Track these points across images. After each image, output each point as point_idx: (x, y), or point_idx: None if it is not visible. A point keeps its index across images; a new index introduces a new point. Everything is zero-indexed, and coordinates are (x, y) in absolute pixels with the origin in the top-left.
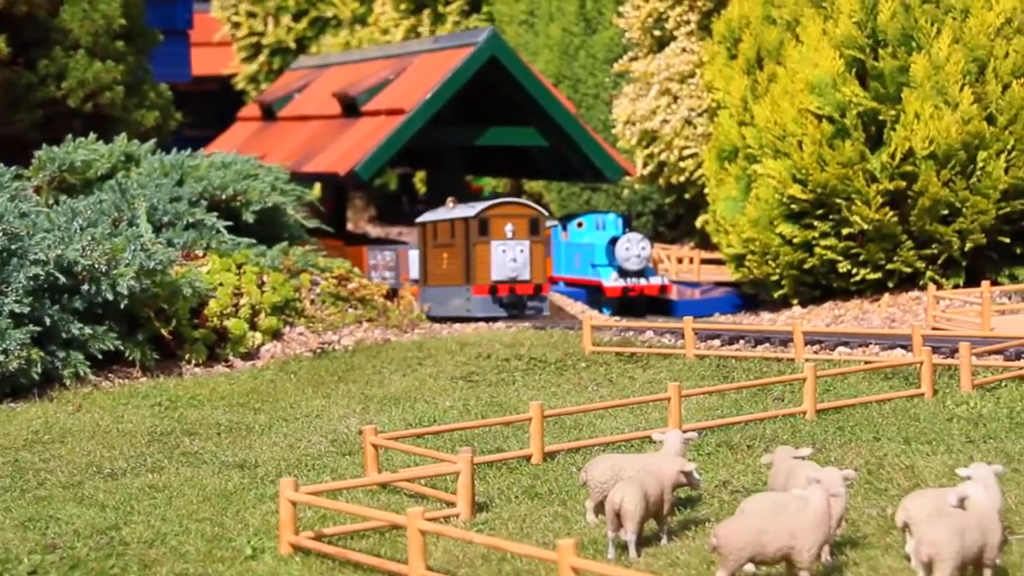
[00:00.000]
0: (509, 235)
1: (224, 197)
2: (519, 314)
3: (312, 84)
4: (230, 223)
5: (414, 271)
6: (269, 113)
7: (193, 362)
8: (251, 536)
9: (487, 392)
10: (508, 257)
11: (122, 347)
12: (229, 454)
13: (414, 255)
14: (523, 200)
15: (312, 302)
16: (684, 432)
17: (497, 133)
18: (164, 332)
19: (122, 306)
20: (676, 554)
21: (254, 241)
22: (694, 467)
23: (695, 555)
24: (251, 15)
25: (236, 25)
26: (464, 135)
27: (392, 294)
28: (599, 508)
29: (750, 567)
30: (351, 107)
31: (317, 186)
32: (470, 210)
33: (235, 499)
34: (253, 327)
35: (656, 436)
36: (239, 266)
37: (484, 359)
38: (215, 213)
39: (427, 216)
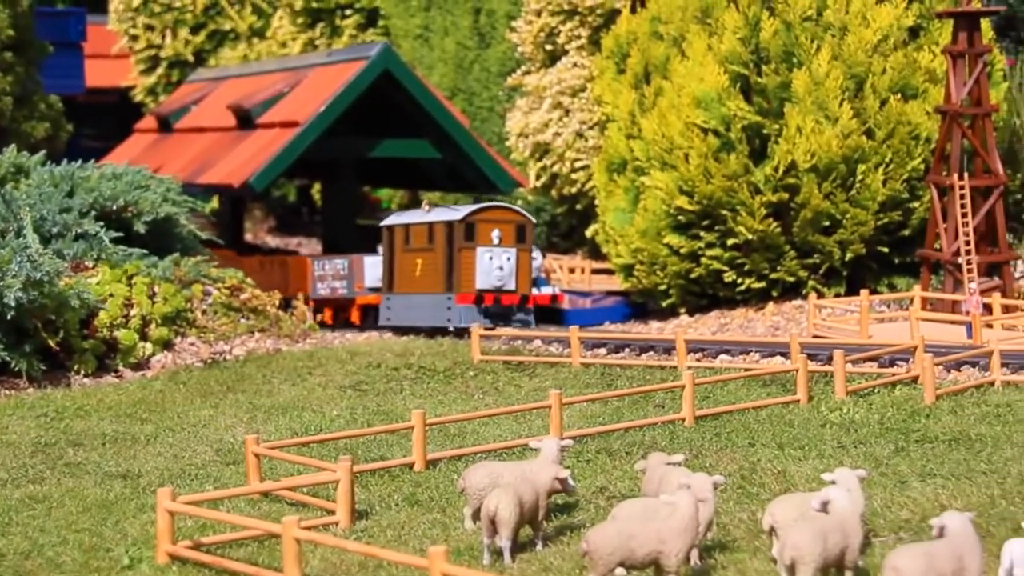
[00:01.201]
0: (496, 241)
1: (115, 208)
2: (505, 326)
3: (208, 96)
4: (121, 234)
5: (371, 279)
6: (165, 125)
7: (82, 373)
8: (129, 546)
9: (375, 401)
10: (495, 265)
11: (8, 358)
12: (113, 464)
13: (371, 261)
14: (510, 205)
15: (204, 312)
16: (562, 440)
17: (391, 145)
18: (52, 343)
19: (8, 317)
20: (550, 559)
21: (146, 252)
22: (568, 474)
23: (568, 560)
24: (149, 28)
25: (134, 38)
26: (358, 147)
27: (285, 305)
28: (477, 514)
29: (621, 571)
30: (246, 119)
31: (216, 198)
32: (454, 213)
33: (116, 509)
34: (144, 337)
35: (533, 444)
36: (130, 277)
37: (374, 368)
38: (105, 224)
39: (395, 219)
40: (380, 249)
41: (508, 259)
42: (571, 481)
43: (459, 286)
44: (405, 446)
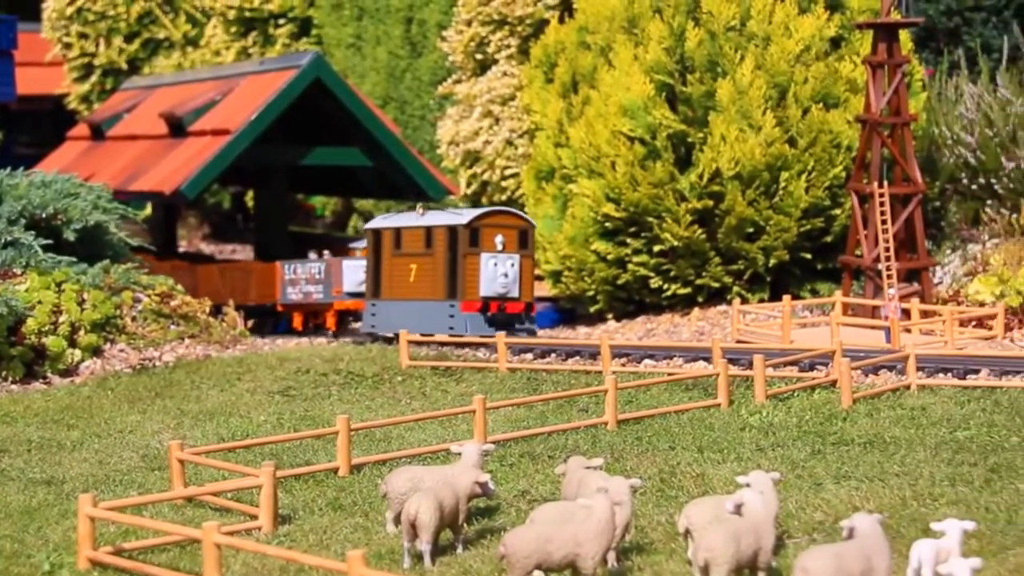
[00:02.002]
0: (499, 247)
1: (44, 216)
2: (510, 335)
3: (141, 104)
4: (51, 242)
5: (350, 283)
6: (98, 133)
7: (9, 379)
8: (50, 552)
9: (302, 406)
10: (499, 271)
11: None
12: (37, 471)
13: (351, 265)
14: (513, 210)
15: (134, 319)
16: (483, 444)
17: (322, 153)
18: None
19: None
20: (470, 562)
21: (75, 259)
22: (488, 478)
23: (488, 563)
24: (83, 36)
25: (68, 46)
26: (290, 155)
27: (216, 311)
28: (399, 519)
29: (538, 573)
30: (178, 127)
31: (149, 205)
32: (456, 217)
33: (38, 515)
34: (72, 344)
35: (455, 448)
36: (59, 284)
37: (303, 374)
38: (33, 232)
39: (383, 222)
40: (357, 253)
41: (512, 265)
42: (491, 485)
43: (464, 293)
44: (331, 451)
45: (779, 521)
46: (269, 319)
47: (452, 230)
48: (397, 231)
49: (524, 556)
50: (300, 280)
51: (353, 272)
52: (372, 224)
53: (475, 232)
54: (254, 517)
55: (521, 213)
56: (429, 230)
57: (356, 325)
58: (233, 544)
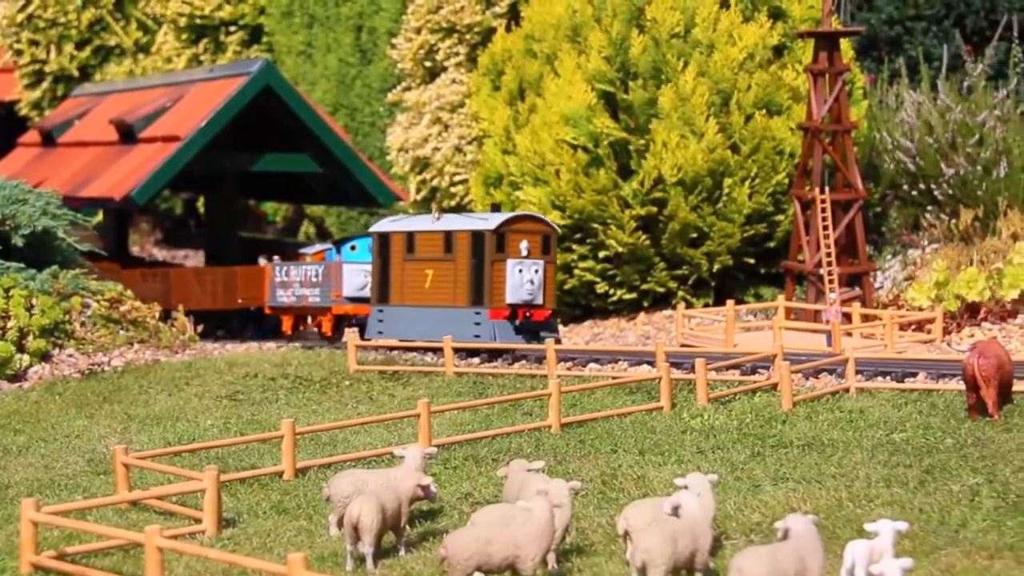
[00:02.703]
0: (524, 253)
1: None
2: (535, 343)
3: (92, 111)
4: None
5: (350, 288)
6: (49, 139)
7: None
8: None
9: (249, 411)
10: (525, 278)
11: None
12: None
13: (352, 269)
14: (537, 214)
15: (83, 324)
16: (426, 448)
17: (272, 159)
18: None
19: None
20: (411, 565)
21: (23, 265)
22: (431, 481)
23: (429, 565)
24: (33, 43)
25: (19, 53)
26: (240, 161)
27: (165, 317)
28: (342, 522)
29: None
30: (128, 134)
31: (101, 212)
32: (481, 222)
33: None
34: (21, 349)
35: (397, 452)
36: (7, 290)
37: (251, 378)
38: None
39: (391, 225)
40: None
41: (536, 272)
42: (433, 488)
43: (491, 300)
44: (277, 455)
45: (717, 522)
46: (252, 322)
47: (477, 235)
48: (409, 235)
49: (464, 558)
50: (293, 283)
51: (354, 276)
52: (378, 227)
53: (501, 237)
54: (198, 521)
55: (544, 218)
56: (449, 234)
57: (350, 330)
58: (175, 548)
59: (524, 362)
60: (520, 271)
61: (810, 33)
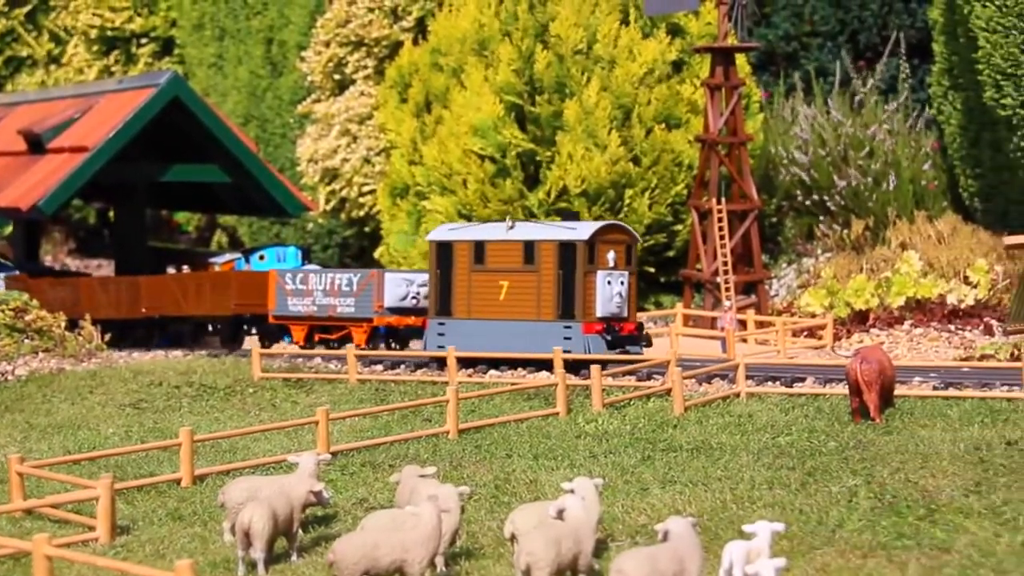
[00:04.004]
0: (611, 264)
1: None
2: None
3: (2, 122)
4: None
5: (393, 298)
6: None
7: None
8: None
9: (152, 419)
10: (613, 290)
11: None
12: None
13: (395, 279)
14: (621, 223)
15: None
16: (320, 455)
17: (181, 170)
18: None
19: None
20: (302, 570)
21: None
22: (323, 487)
23: (320, 570)
24: None
25: None
26: (149, 171)
27: (72, 325)
28: (236, 528)
29: None
30: (36, 144)
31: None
32: (569, 231)
33: None
34: None
35: (292, 458)
36: None
37: (156, 386)
38: None
39: (452, 234)
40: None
41: (622, 283)
42: (326, 494)
43: (583, 314)
44: (177, 462)
45: (603, 525)
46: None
47: (567, 245)
48: (479, 244)
49: (352, 562)
50: (313, 291)
51: (396, 286)
52: (436, 236)
53: (592, 248)
54: (92, 528)
55: (628, 227)
56: (530, 244)
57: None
58: (64, 556)
59: (427, 369)
60: (609, 283)
61: (707, 49)
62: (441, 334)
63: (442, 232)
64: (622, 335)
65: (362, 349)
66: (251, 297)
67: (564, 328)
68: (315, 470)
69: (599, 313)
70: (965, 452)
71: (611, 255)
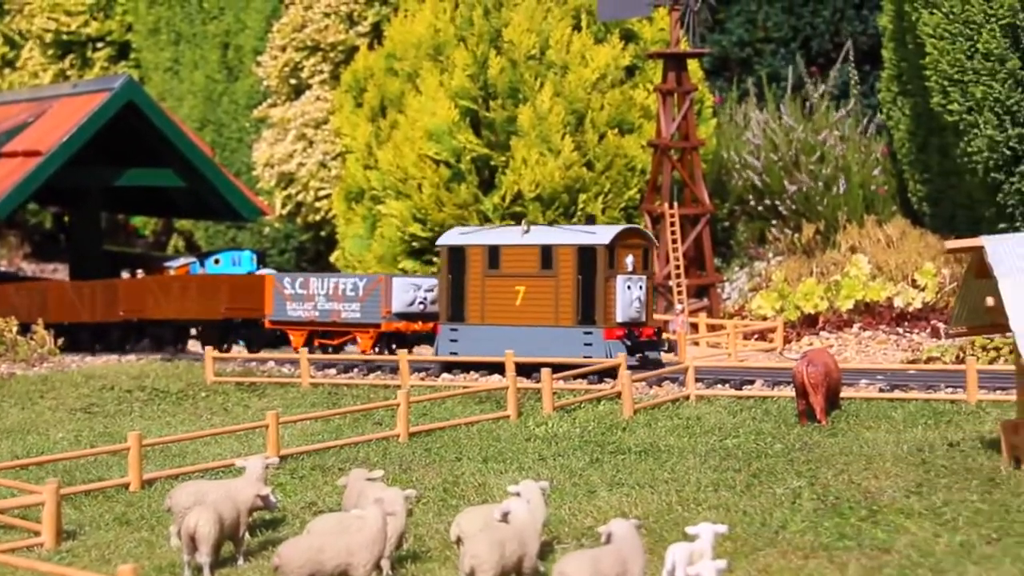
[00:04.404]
0: (630, 268)
1: None
2: (638, 364)
3: None
4: None
5: (401, 304)
6: None
7: None
8: None
9: (103, 423)
10: (633, 295)
11: None
12: None
13: (402, 284)
14: (639, 227)
15: None
16: (267, 459)
17: (137, 174)
18: None
19: None
20: (249, 574)
21: None
22: (269, 491)
23: (266, 574)
24: None
25: None
26: (104, 176)
27: (24, 330)
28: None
29: None
30: None
31: None
32: (588, 235)
33: None
34: None
35: (239, 463)
36: None
37: (107, 391)
38: None
39: (463, 238)
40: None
41: (641, 287)
42: (273, 498)
43: (604, 319)
44: (126, 467)
45: (549, 527)
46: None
47: (587, 250)
48: (493, 249)
49: (297, 566)
50: (315, 296)
51: (403, 291)
52: (448, 240)
53: (612, 252)
54: (38, 534)
55: (646, 231)
56: (548, 249)
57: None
58: (7, 562)
59: (379, 373)
60: (629, 287)
61: (659, 54)
62: (454, 340)
63: (453, 236)
64: (642, 340)
65: (366, 355)
66: (244, 301)
67: (585, 334)
68: (263, 474)
69: (619, 318)
70: (908, 454)
71: (630, 259)
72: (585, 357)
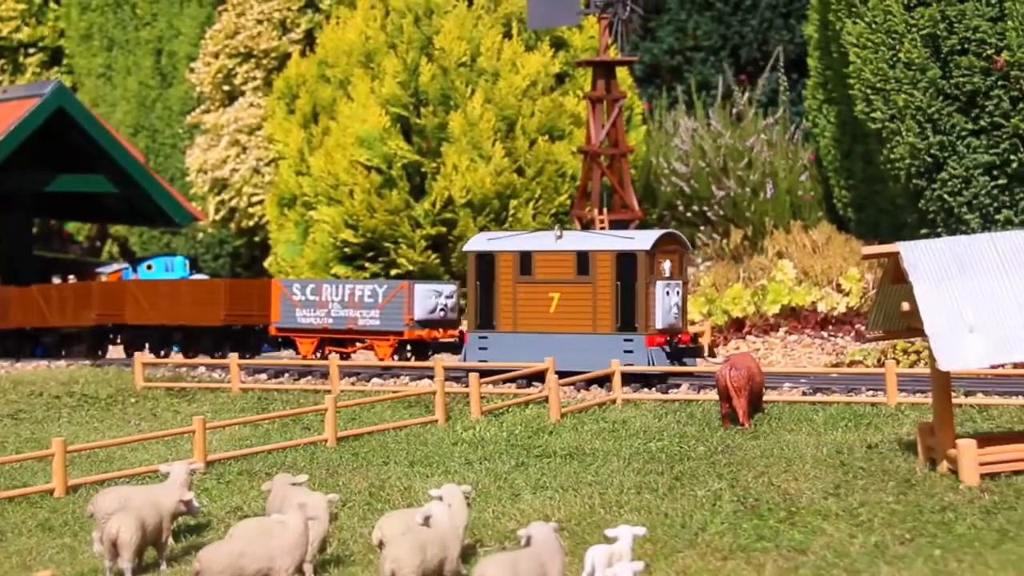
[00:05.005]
0: (667, 274)
1: None
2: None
3: None
4: None
5: (423, 311)
6: None
7: None
8: None
9: (30, 429)
10: (671, 301)
11: None
12: None
13: (425, 291)
14: (676, 232)
15: None
16: (191, 463)
17: (68, 180)
18: None
19: None
20: None
21: None
22: (192, 496)
23: None
24: None
25: None
26: (35, 182)
27: None
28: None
29: None
30: None
31: None
32: (627, 241)
33: None
34: None
35: (163, 468)
36: None
37: (36, 396)
38: None
39: (492, 244)
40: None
41: (678, 293)
42: (196, 503)
43: (645, 326)
44: (51, 472)
45: (472, 530)
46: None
47: (627, 256)
48: (525, 255)
49: (218, 571)
50: (328, 303)
51: (425, 298)
52: (475, 246)
53: (652, 258)
54: None
55: (680, 236)
56: (584, 255)
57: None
58: None
59: (310, 378)
60: (667, 293)
61: (589, 62)
62: (483, 348)
63: (481, 242)
64: (680, 347)
65: (384, 362)
66: (244, 307)
67: (625, 341)
68: (186, 480)
69: (659, 325)
70: (827, 456)
71: (667, 265)
72: (626, 364)
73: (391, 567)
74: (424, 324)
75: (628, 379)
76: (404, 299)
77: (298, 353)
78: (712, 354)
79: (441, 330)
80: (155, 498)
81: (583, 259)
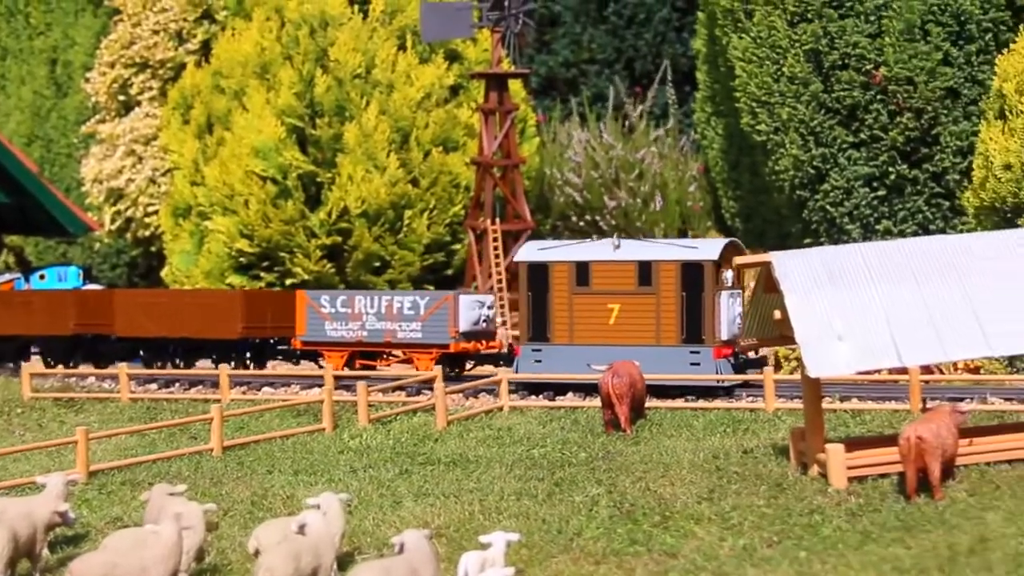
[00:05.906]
0: (728, 284)
1: None
2: (740, 384)
3: None
4: None
5: (467, 323)
6: None
7: None
8: None
9: None
10: (734, 312)
11: None
12: None
13: (469, 302)
14: (737, 241)
15: None
16: (68, 475)
17: None
18: None
19: None
20: None
21: None
22: (67, 507)
23: None
24: None
25: None
26: None
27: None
28: None
29: None
30: None
31: None
32: (690, 251)
33: None
34: None
35: (39, 479)
36: None
37: None
38: None
39: (543, 254)
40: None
41: (738, 303)
42: (71, 514)
43: (711, 338)
44: None
45: (351, 538)
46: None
47: (692, 266)
48: (582, 265)
49: None
50: (363, 315)
51: (470, 310)
52: (526, 256)
53: (718, 268)
54: None
55: (740, 245)
56: (646, 265)
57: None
58: None
59: (200, 387)
60: (731, 303)
61: (481, 74)
62: (538, 360)
63: (532, 252)
64: (740, 358)
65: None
66: (266, 319)
67: (691, 353)
68: (63, 491)
69: (723, 336)
70: (704, 461)
71: (728, 275)
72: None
73: (265, 575)
74: (468, 336)
75: (689, 391)
76: (449, 311)
77: (321, 367)
78: None
79: (485, 342)
80: (29, 509)
81: (645, 269)
